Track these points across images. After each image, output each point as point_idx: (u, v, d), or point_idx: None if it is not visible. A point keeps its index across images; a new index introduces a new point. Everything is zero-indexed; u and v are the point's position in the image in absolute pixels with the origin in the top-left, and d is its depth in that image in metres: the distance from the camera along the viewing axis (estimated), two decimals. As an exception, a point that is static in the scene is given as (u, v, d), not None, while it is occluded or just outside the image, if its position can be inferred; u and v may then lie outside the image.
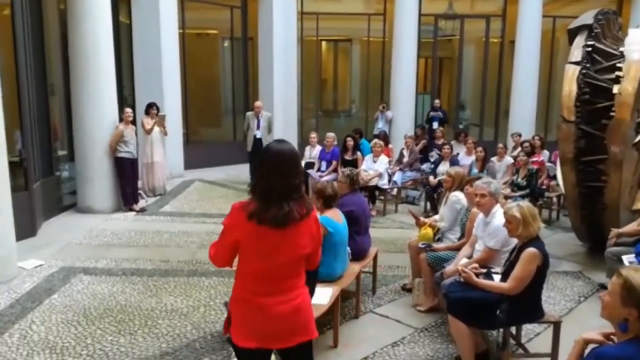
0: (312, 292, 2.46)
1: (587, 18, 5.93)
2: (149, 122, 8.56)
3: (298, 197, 2.24)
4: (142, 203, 8.02)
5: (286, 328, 2.29)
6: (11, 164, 5.38)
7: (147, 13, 9.57)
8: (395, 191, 8.51)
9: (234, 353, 2.47)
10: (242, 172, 10.58)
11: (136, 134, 7.94)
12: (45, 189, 6.98)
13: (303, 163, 9.00)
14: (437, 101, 11.94)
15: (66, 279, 5.10)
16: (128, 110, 7.86)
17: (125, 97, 9.63)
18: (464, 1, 13.27)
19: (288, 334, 2.30)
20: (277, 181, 2.20)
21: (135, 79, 9.81)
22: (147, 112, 8.63)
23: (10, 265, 5.07)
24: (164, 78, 9.79)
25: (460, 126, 12.48)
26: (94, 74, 7.25)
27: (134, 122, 8.02)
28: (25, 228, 6.01)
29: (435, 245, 4.64)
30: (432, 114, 11.71)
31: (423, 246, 4.62)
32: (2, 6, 5.03)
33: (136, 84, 9.81)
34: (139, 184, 8.34)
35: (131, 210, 7.70)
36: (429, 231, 4.86)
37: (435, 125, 11.32)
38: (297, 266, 2.31)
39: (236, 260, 2.33)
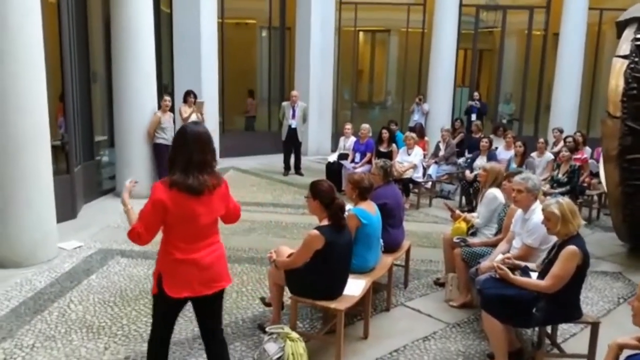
0: None
1: (637, 10, 5.69)
2: (186, 110, 8.66)
3: (211, 171, 2.69)
4: (178, 189, 8.14)
5: (213, 275, 2.75)
6: (54, 148, 5.56)
7: (188, 2, 9.68)
8: (429, 184, 8.41)
9: (158, 308, 2.82)
10: (275, 161, 10.64)
11: (174, 121, 8.07)
12: (86, 173, 7.18)
13: (337, 154, 8.99)
14: (476, 93, 11.70)
15: (104, 260, 5.25)
16: (167, 98, 7.99)
17: (165, 85, 9.79)
18: (507, -8, 12.94)
19: (212, 280, 2.75)
20: (196, 156, 2.62)
21: (175, 67, 9.96)
22: (185, 100, 8.73)
23: (51, 245, 5.25)
24: (203, 67, 9.91)
25: (504, 121, 12.18)
26: (135, 62, 7.39)
27: (172, 110, 8.15)
28: (66, 210, 6.20)
29: (471, 240, 4.56)
30: (469, 103, 11.48)
31: (458, 240, 4.55)
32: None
33: (175, 72, 9.96)
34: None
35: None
36: (463, 225, 4.78)
37: (473, 117, 11.11)
38: (214, 226, 2.79)
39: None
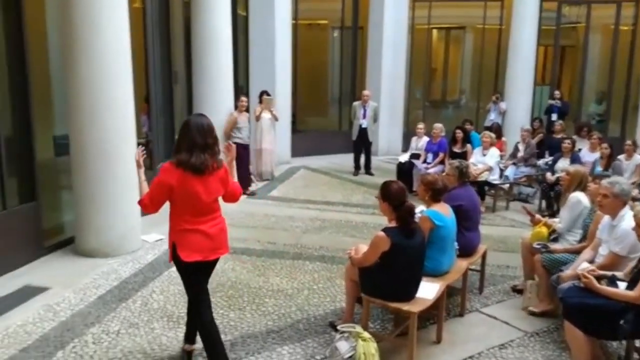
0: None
1: None
2: (258, 109, 8.88)
3: (212, 154, 3.05)
4: (252, 187, 8.38)
5: (217, 244, 3.18)
6: (138, 146, 5.85)
7: (263, 5, 9.93)
8: (507, 187, 8.10)
9: (181, 274, 3.25)
10: (346, 160, 10.67)
11: (249, 121, 8.29)
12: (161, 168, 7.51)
13: (408, 154, 8.88)
14: (557, 92, 11.12)
15: (183, 254, 5.47)
16: (243, 98, 8.23)
17: (240, 86, 10.07)
18: (592, -15, 12.21)
19: (217, 247, 3.19)
20: (198, 139, 3.01)
21: (250, 68, 10.23)
22: (260, 100, 8.96)
23: (135, 238, 5.55)
24: (277, 68, 10.11)
25: (593, 122, 11.51)
26: (214, 64, 7.67)
27: (247, 110, 8.38)
28: (149, 204, 6.52)
29: (552, 247, 4.34)
30: (550, 102, 10.95)
31: (538, 247, 4.35)
32: (133, -1, 5.52)
33: (250, 73, 10.23)
34: (250, 168, 8.71)
35: (243, 193, 8.04)
36: (544, 230, 4.57)
37: (553, 117, 10.59)
38: (215, 203, 3.18)
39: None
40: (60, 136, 5.82)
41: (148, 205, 3.10)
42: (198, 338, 3.41)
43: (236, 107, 8.11)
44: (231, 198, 3.30)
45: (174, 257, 3.14)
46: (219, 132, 7.75)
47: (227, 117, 7.91)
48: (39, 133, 5.20)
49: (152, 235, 5.87)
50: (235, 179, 3.38)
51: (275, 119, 9.03)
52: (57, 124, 5.89)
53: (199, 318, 3.25)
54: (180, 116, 8.47)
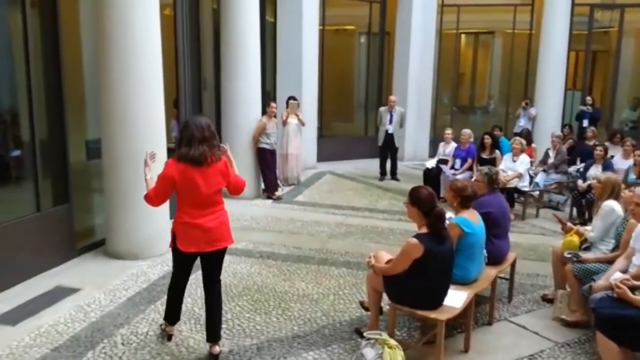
0: None
1: None
2: (284, 114, 8.93)
3: (211, 147, 3.29)
4: (278, 191, 8.42)
5: (214, 237, 3.39)
6: (168, 151, 5.95)
7: (291, 12, 10.02)
8: (537, 194, 7.95)
9: (174, 261, 3.58)
10: (371, 166, 10.64)
11: (277, 127, 8.35)
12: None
13: (435, 160, 8.81)
14: (588, 98, 10.89)
15: (210, 257, 5.53)
16: (273, 104, 8.29)
17: (268, 91, 10.15)
18: (626, -11, 11.94)
19: (215, 240, 3.40)
20: (197, 133, 3.27)
21: (277, 74, 10.31)
22: (287, 105, 9.02)
23: (164, 240, 5.54)
24: (303, 73, 10.18)
25: (626, 128, 11.22)
26: (242, 70, 7.76)
27: (276, 116, 8.44)
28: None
29: (584, 256, 4.24)
30: (581, 108, 10.72)
31: (569, 256, 4.25)
32: (164, 6, 5.60)
33: (278, 78, 10.31)
34: (277, 173, 8.76)
35: (269, 197, 8.13)
36: (575, 239, 4.46)
37: (585, 123, 10.37)
38: (216, 196, 3.40)
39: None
40: (92, 140, 5.97)
41: (152, 198, 3.40)
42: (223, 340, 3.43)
43: (265, 113, 8.18)
44: (235, 190, 3.53)
45: (174, 245, 3.46)
46: (248, 138, 7.89)
47: (256, 122, 7.98)
48: (72, 137, 5.33)
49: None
50: (236, 171, 3.55)
51: (302, 123, 9.07)
52: (90, 128, 6.04)
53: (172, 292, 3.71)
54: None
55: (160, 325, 3.92)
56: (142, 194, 3.74)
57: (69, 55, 5.29)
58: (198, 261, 3.59)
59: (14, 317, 4.11)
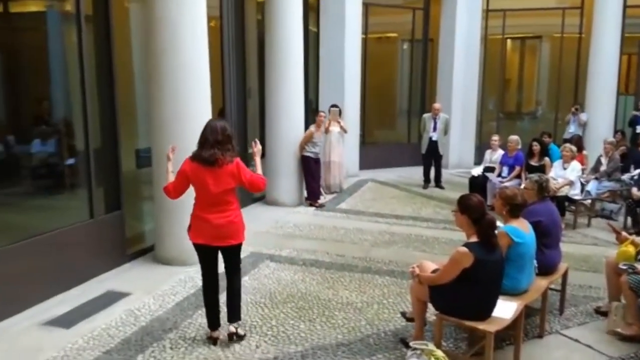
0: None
1: None
2: (327, 122, 8.96)
3: (222, 149, 3.56)
4: (321, 199, 8.45)
5: (222, 233, 3.70)
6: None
7: (334, 21, 10.11)
8: (588, 202, 7.67)
9: None
10: (414, 173, 10.54)
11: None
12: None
13: (481, 167, 8.64)
14: (642, 102, 10.48)
15: (255, 263, 5.61)
16: (322, 113, 8.37)
17: (310, 99, 10.23)
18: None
19: (224, 237, 3.71)
20: (210, 136, 3.58)
21: (320, 82, 10.38)
22: (330, 113, 9.05)
23: (210, 247, 5.72)
24: (346, 82, 10.22)
25: None
26: (286, 79, 7.86)
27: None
28: (223, 215, 6.74)
29: (641, 267, 4.06)
30: (634, 113, 10.29)
31: (625, 267, 4.08)
32: (210, 18, 5.74)
33: (320, 87, 10.39)
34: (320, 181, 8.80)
35: (311, 205, 8.17)
36: (631, 249, 4.27)
37: (638, 129, 9.95)
38: (226, 196, 3.66)
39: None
40: (142, 149, 6.17)
41: (171, 191, 3.78)
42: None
43: (313, 122, 8.25)
44: (252, 188, 3.76)
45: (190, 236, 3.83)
46: (291, 145, 7.97)
47: (303, 131, 8.08)
48: (123, 146, 5.52)
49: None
50: (259, 171, 3.85)
51: (344, 131, 9.08)
52: (140, 137, 6.24)
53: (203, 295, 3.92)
54: (252, 129, 8.74)
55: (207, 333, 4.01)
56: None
57: (121, 68, 5.50)
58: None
59: (69, 320, 4.27)
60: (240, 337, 3.91)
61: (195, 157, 3.62)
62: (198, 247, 3.81)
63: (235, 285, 3.90)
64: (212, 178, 3.58)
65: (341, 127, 9.00)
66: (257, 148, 4.00)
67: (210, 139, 3.57)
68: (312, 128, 8.12)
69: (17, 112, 5.16)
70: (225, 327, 3.95)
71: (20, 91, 5.18)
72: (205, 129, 3.64)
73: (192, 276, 5.17)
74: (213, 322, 3.93)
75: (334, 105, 9.04)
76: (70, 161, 5.43)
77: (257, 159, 3.95)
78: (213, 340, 3.91)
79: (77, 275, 4.93)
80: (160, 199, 5.43)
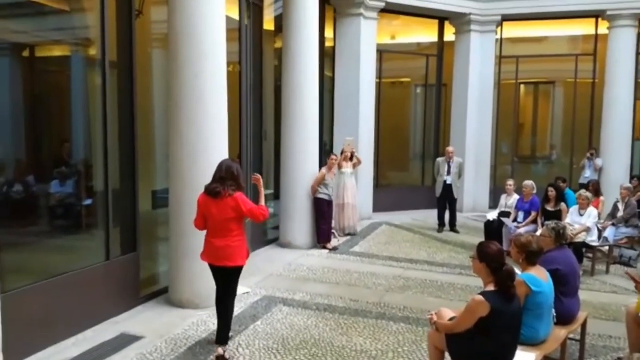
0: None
1: None
2: (341, 163, 9.03)
3: (226, 185, 4.23)
4: (334, 242, 8.42)
5: (220, 254, 4.32)
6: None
7: (349, 67, 10.36)
8: (606, 249, 7.54)
9: None
10: (428, 216, 10.49)
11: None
12: (253, 223, 7.77)
13: (497, 212, 8.59)
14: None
15: (268, 307, 5.56)
16: (333, 156, 8.45)
17: (325, 142, 10.35)
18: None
19: (221, 258, 4.32)
20: (217, 174, 4.32)
21: (335, 125, 10.53)
22: (342, 152, 9.16)
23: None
24: (360, 125, 10.34)
25: None
26: (301, 123, 7.99)
27: (339, 166, 8.58)
28: (237, 258, 6.74)
29: (663, 318, 3.96)
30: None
31: (646, 317, 3.98)
32: (229, 63, 5.92)
33: (335, 129, 10.52)
34: (332, 223, 8.79)
35: (324, 247, 8.14)
36: (651, 299, 4.18)
37: (656, 175, 9.86)
38: (228, 223, 4.28)
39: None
40: (159, 190, 6.25)
41: (194, 221, 4.46)
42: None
43: (325, 164, 8.33)
44: (253, 218, 4.41)
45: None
46: (304, 187, 8.03)
47: (317, 173, 8.15)
48: (141, 187, 5.60)
49: (239, 288, 5.97)
50: (262, 199, 4.50)
51: (359, 161, 9.14)
52: (157, 178, 6.34)
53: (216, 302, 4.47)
54: (267, 171, 8.84)
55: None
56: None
57: (141, 111, 5.64)
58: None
59: (82, 362, 4.25)
60: (224, 359, 4.32)
61: (205, 190, 4.34)
62: (210, 267, 4.45)
63: (225, 307, 4.42)
64: (215, 208, 4.25)
65: (356, 158, 9.08)
66: (256, 177, 4.75)
67: (216, 176, 4.30)
68: (324, 170, 8.19)
69: (39, 152, 5.30)
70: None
71: (43, 132, 5.34)
72: (217, 167, 4.35)
73: (204, 320, 5.14)
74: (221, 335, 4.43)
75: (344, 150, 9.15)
76: (88, 201, 5.51)
77: (260, 189, 4.61)
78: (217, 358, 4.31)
79: (90, 316, 4.92)
80: (176, 241, 5.48)
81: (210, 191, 4.26)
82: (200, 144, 5.33)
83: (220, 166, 4.33)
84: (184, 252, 5.39)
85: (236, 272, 4.40)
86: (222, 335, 4.39)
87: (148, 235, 6.10)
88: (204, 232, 4.45)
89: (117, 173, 5.44)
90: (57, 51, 5.77)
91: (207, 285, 5.41)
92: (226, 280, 4.39)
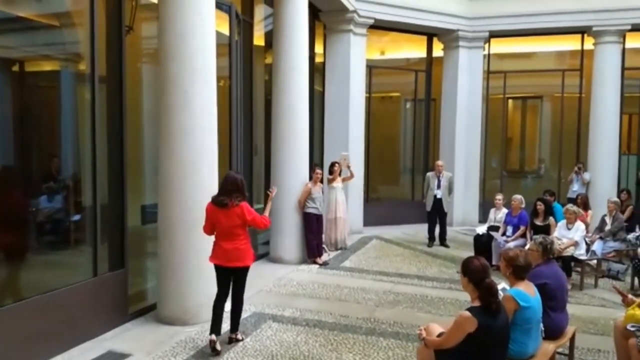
0: None
1: None
2: (330, 178, 9.08)
3: (230, 196, 4.65)
4: (324, 257, 8.40)
5: (230, 257, 4.72)
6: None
7: (339, 82, 10.48)
8: (594, 263, 7.59)
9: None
10: (419, 231, 10.51)
11: (322, 192, 8.47)
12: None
13: (486, 226, 8.63)
14: (645, 162, 10.55)
15: (257, 324, 5.52)
16: (318, 170, 8.47)
17: (315, 157, 10.38)
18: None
19: (231, 259, 4.73)
20: (223, 186, 4.73)
21: (325, 140, 10.58)
22: (331, 171, 9.19)
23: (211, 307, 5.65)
24: (350, 139, 10.41)
25: None
26: (291, 138, 8.03)
27: (322, 181, 8.58)
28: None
29: (650, 331, 3.98)
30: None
31: (633, 329, 4.00)
32: (219, 78, 5.94)
33: (325, 144, 10.56)
34: (322, 238, 8.78)
35: (315, 262, 8.12)
36: (638, 312, 4.19)
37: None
38: (235, 229, 4.69)
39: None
40: (148, 205, 6.21)
41: (204, 227, 4.82)
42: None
43: (311, 178, 8.33)
44: (255, 226, 4.85)
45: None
46: (294, 202, 8.03)
47: (302, 187, 8.13)
48: (129, 202, 5.57)
49: (228, 304, 5.95)
50: (267, 213, 5.08)
51: (352, 175, 9.23)
52: (146, 194, 6.30)
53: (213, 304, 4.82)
54: (257, 186, 8.83)
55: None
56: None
57: (131, 126, 5.63)
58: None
59: (67, 381, 4.18)
60: (238, 341, 5.00)
61: (212, 200, 4.73)
62: (215, 267, 4.81)
63: (238, 301, 4.96)
64: (223, 216, 4.66)
65: (350, 172, 9.20)
66: (272, 190, 5.74)
67: (223, 188, 4.72)
68: (310, 184, 8.20)
69: (27, 167, 5.25)
70: (222, 336, 4.90)
71: (31, 147, 5.29)
72: (223, 179, 4.78)
73: (193, 337, 5.09)
74: (215, 328, 4.76)
75: (335, 164, 9.18)
76: (76, 217, 5.46)
77: (268, 203, 5.32)
78: (211, 344, 4.69)
79: (77, 334, 4.85)
80: (165, 257, 5.44)
81: (219, 203, 4.65)
82: (190, 158, 5.33)
83: (226, 179, 4.74)
84: (173, 268, 5.36)
85: (245, 271, 4.87)
86: (235, 324, 5.02)
87: (137, 251, 6.04)
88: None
89: (106, 188, 5.40)
90: (46, 66, 5.75)
91: (195, 301, 5.39)
92: (237, 278, 4.85)
